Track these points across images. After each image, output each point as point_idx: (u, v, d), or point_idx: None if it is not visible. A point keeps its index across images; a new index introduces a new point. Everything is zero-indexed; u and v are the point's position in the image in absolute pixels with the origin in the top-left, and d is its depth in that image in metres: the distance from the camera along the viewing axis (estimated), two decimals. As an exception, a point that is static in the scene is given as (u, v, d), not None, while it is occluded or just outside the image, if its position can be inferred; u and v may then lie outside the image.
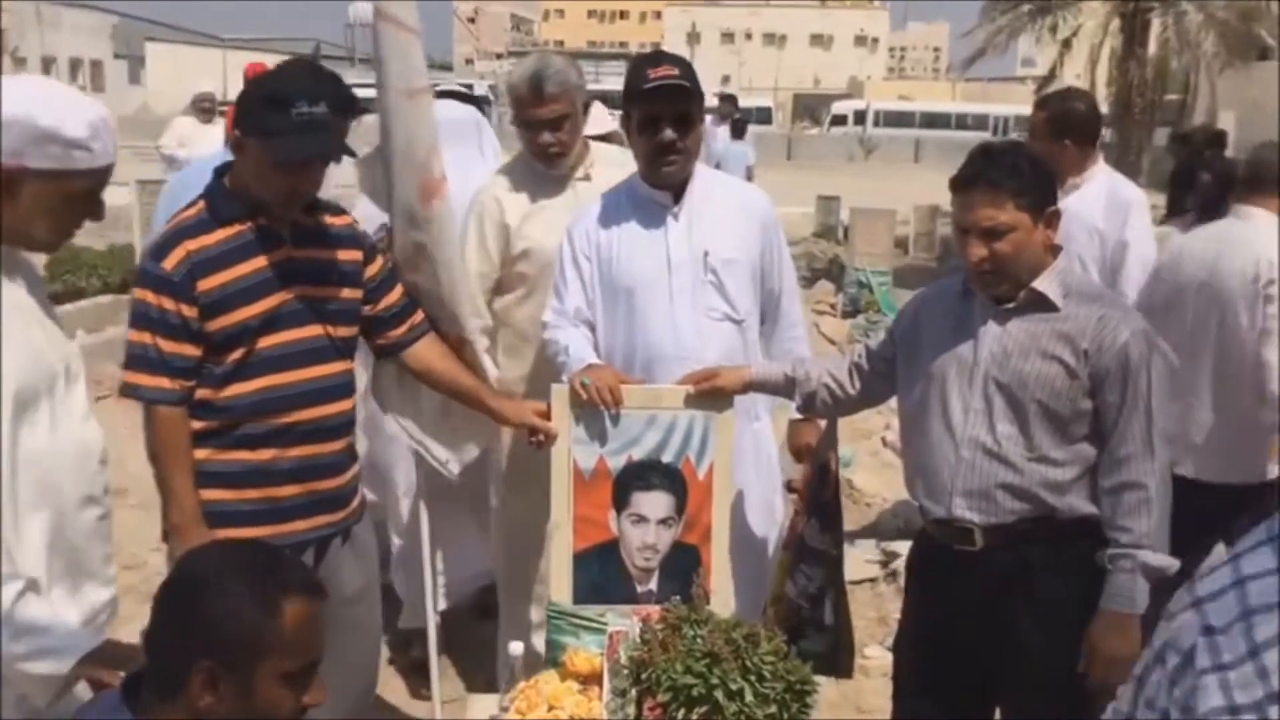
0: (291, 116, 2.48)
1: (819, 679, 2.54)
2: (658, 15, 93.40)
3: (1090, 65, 19.79)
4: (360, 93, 2.85)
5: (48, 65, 35.17)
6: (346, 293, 2.74)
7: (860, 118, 48.12)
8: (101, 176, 2.11)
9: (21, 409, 1.97)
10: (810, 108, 64.03)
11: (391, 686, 4.00)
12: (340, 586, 2.72)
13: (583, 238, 3.17)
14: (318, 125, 2.51)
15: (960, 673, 2.74)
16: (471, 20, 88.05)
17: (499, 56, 72.75)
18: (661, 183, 3.09)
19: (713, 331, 3.08)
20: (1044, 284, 2.55)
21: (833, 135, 46.86)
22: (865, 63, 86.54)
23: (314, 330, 2.64)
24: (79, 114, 2.04)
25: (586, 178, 3.46)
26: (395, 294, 2.88)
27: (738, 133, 15.16)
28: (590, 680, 2.63)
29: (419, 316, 2.93)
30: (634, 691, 2.50)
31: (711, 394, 2.85)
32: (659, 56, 3.11)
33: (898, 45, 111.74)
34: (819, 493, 3.00)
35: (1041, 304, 2.55)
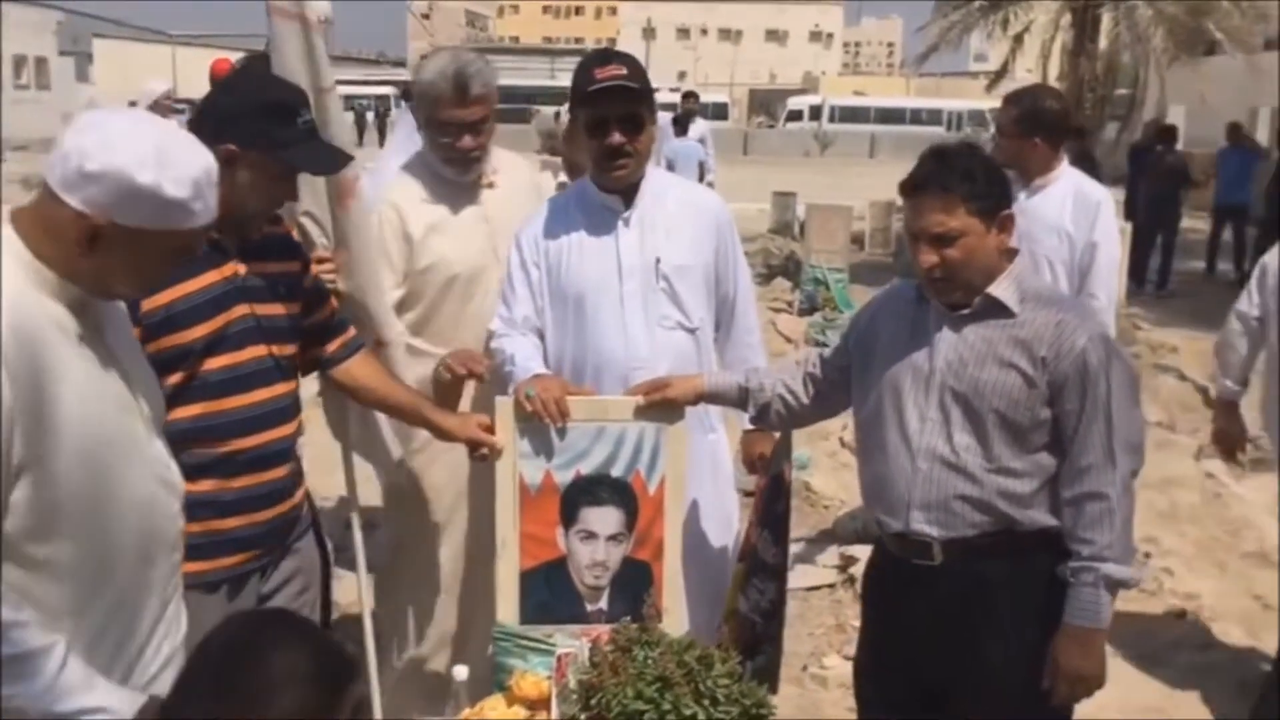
0: (299, 126, 2.41)
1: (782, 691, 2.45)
2: (613, 11, 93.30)
3: (1042, 60, 19.90)
4: None
5: (-10, 60, 34.56)
6: (291, 307, 2.58)
7: (816, 113, 48.26)
8: (199, 235, 1.90)
9: (90, 457, 1.79)
10: (766, 103, 64.14)
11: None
12: (277, 598, 2.61)
13: (531, 244, 3.06)
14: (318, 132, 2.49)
15: (920, 690, 2.66)
16: (426, 16, 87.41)
17: (453, 52, 72.21)
18: (611, 186, 2.99)
19: (665, 340, 2.98)
20: (999, 289, 2.47)
21: (788, 131, 46.97)
22: (820, 58, 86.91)
23: (259, 351, 2.47)
24: (183, 171, 1.79)
25: (491, 185, 3.30)
26: (328, 307, 2.75)
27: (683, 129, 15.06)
28: (538, 705, 2.52)
29: (351, 332, 2.79)
30: (583, 717, 2.40)
31: (662, 405, 2.75)
32: (606, 55, 3.00)
33: (852, 41, 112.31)
34: (773, 504, 2.91)
35: (998, 310, 2.48)
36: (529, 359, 2.91)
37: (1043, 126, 4.25)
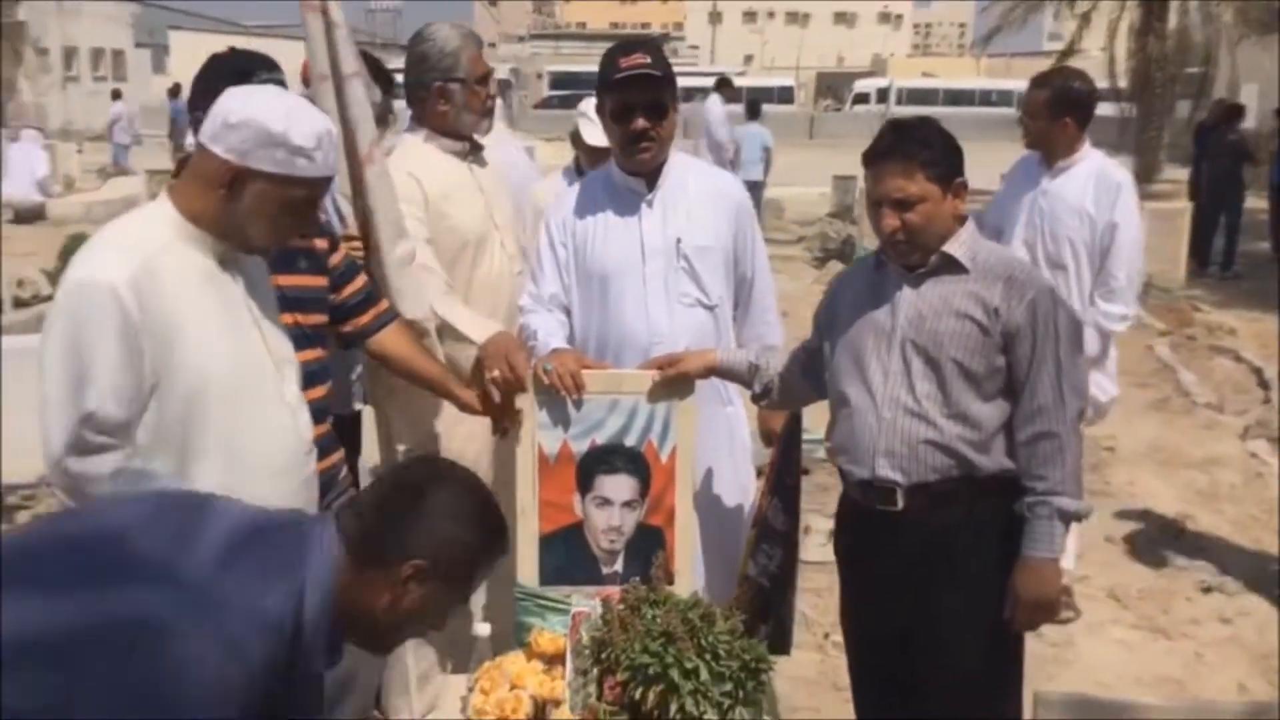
0: (254, 82, 2.58)
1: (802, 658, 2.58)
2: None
3: (1109, 39, 19.58)
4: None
5: (69, 55, 35.44)
6: (315, 280, 2.78)
7: (883, 96, 47.78)
8: (319, 187, 2.23)
9: (224, 400, 2.12)
10: (833, 86, 63.62)
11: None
12: None
13: (559, 225, 3.21)
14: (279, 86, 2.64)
15: (894, 631, 2.79)
16: (493, 3, 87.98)
17: (521, 40, 72.68)
18: (635, 170, 3.13)
19: (685, 317, 3.12)
20: (953, 247, 2.64)
21: (855, 114, 46.56)
22: (889, 40, 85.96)
23: (285, 319, 2.67)
24: (307, 124, 2.15)
25: (481, 161, 3.49)
26: (359, 282, 2.92)
27: (753, 113, 15.09)
28: (555, 660, 2.67)
29: (384, 305, 2.96)
30: (595, 671, 2.55)
31: (674, 379, 2.89)
32: (631, 44, 3.13)
33: (922, 22, 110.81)
34: (783, 475, 3.04)
35: (953, 266, 2.65)
36: (551, 334, 3.06)
37: (1073, 106, 4.30)
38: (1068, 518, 2.59)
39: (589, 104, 3.80)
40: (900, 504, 2.69)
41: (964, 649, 2.68)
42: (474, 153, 3.45)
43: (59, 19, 34.52)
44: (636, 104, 3.02)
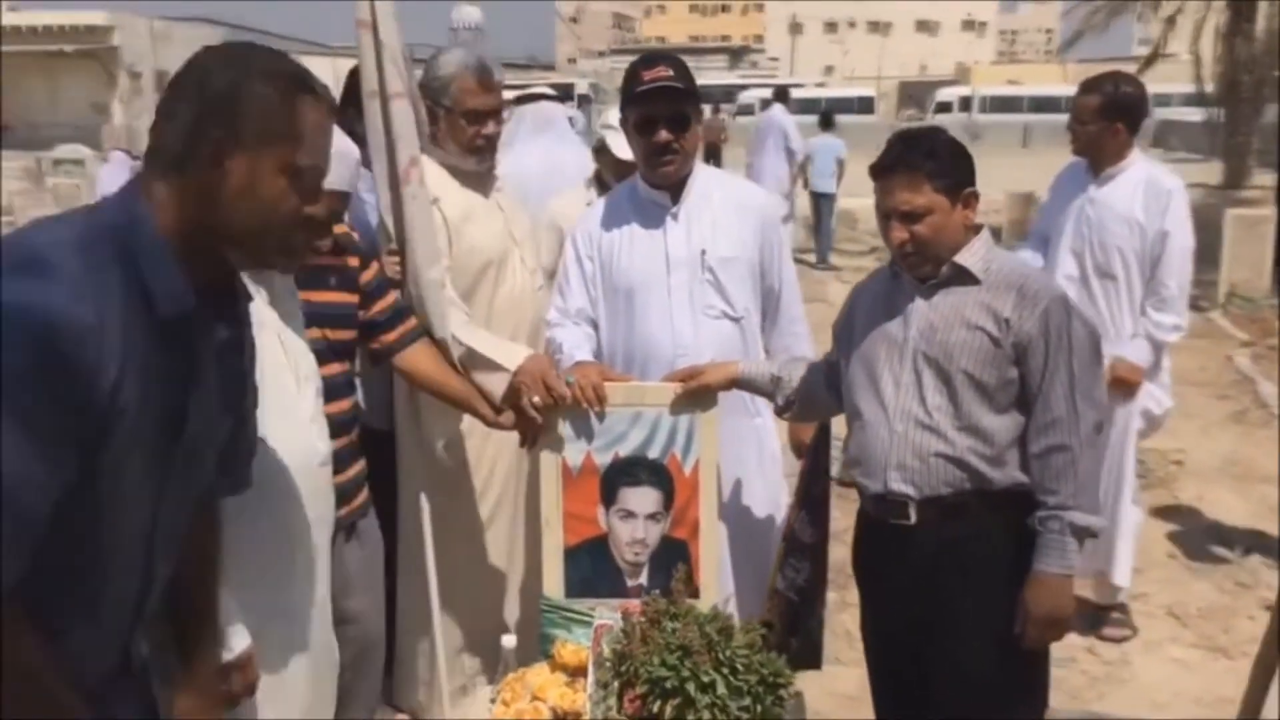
0: None
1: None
2: (760, 7, 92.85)
3: (1194, 41, 19.08)
4: None
5: (161, 79, 36.46)
6: (344, 297, 2.84)
7: (966, 104, 47.22)
8: (335, 202, 2.29)
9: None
10: (915, 96, 62.96)
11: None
12: (343, 578, 2.82)
13: (585, 239, 3.24)
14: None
15: (909, 646, 2.76)
16: (574, 20, 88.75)
17: (601, 55, 73.15)
18: (659, 182, 3.14)
19: (710, 329, 3.12)
20: (965, 258, 2.61)
21: (937, 122, 46.08)
22: (973, 47, 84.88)
23: (312, 334, 2.72)
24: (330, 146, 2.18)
25: (497, 182, 3.50)
26: (389, 300, 2.97)
27: (826, 124, 15.01)
28: (578, 672, 2.68)
29: (412, 322, 3.01)
30: (615, 684, 2.55)
31: (696, 392, 2.89)
32: (654, 58, 3.15)
33: (1008, 28, 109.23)
34: (811, 487, 3.02)
35: (964, 277, 2.62)
36: (575, 348, 3.08)
37: (1124, 112, 4.22)
38: (1080, 533, 2.54)
39: (614, 115, 3.78)
40: (912, 518, 2.66)
41: (979, 662, 2.64)
42: (490, 171, 3.46)
43: (151, 43, 35.54)
44: (659, 117, 3.03)
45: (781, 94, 14.30)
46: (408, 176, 2.99)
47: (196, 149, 1.61)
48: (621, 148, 3.70)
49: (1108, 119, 4.21)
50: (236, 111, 1.62)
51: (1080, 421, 2.54)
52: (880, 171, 2.62)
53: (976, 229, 2.66)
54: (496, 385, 3.02)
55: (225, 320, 1.77)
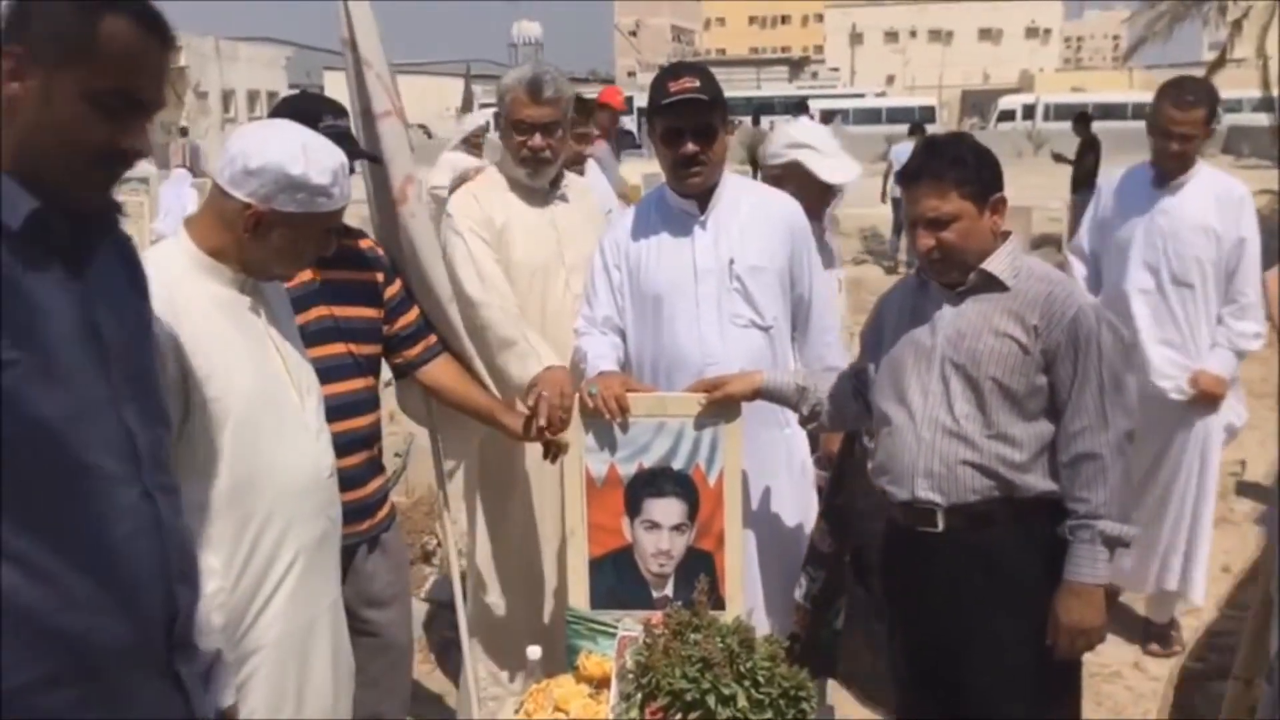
0: (319, 130, 2.65)
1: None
2: (819, 18, 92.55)
3: (1260, 45, 18.71)
4: None
5: (227, 98, 37.23)
6: (369, 312, 2.86)
7: (1030, 112, 46.65)
8: (338, 217, 2.33)
9: (246, 424, 2.15)
10: (978, 104, 62.37)
11: (434, 678, 4.18)
12: (368, 591, 2.85)
13: (613, 247, 3.23)
14: (343, 134, 2.72)
15: (937, 652, 2.73)
16: (633, 33, 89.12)
17: (660, 68, 73.28)
18: (687, 192, 3.13)
19: (738, 338, 3.10)
20: (993, 265, 2.59)
21: (1000, 131, 45.55)
22: (1037, 55, 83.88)
23: (338, 348, 2.76)
24: (323, 162, 2.21)
25: (564, 198, 3.47)
26: (412, 315, 2.99)
27: (916, 131, 14.98)
28: (602, 684, 2.68)
29: (434, 338, 3.03)
30: (638, 696, 2.54)
31: (720, 402, 2.87)
32: (680, 68, 3.14)
33: (1073, 35, 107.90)
34: (833, 498, 2.99)
35: (992, 284, 2.60)
36: (600, 357, 3.07)
37: (1214, 118, 4.10)
38: (1111, 542, 2.51)
39: (802, 132, 3.76)
40: (940, 525, 2.64)
41: (1009, 671, 2.61)
42: (553, 188, 3.46)
43: (217, 63, 36.32)
44: (685, 128, 3.02)
45: (800, 106, 14.29)
46: (404, 195, 2.99)
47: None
48: (824, 168, 3.65)
49: (1208, 129, 4.08)
50: (30, 27, 1.54)
51: (1110, 429, 2.51)
52: (907, 179, 2.61)
53: (1005, 235, 2.64)
54: (521, 377, 3.07)
55: (108, 251, 1.71)
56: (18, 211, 1.51)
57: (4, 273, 1.47)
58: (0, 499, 1.47)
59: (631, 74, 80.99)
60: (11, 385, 1.46)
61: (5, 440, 1.46)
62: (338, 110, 2.82)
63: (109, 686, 1.61)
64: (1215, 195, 4.09)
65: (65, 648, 1.55)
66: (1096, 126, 15.42)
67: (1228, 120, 32.32)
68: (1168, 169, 4.14)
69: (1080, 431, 2.52)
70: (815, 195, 3.64)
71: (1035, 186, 18.27)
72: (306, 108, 2.71)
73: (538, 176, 3.38)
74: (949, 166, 2.53)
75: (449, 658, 4.24)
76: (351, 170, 2.52)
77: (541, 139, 3.31)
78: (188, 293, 2.11)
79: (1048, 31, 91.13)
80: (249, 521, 2.14)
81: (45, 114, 1.54)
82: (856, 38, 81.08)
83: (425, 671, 4.15)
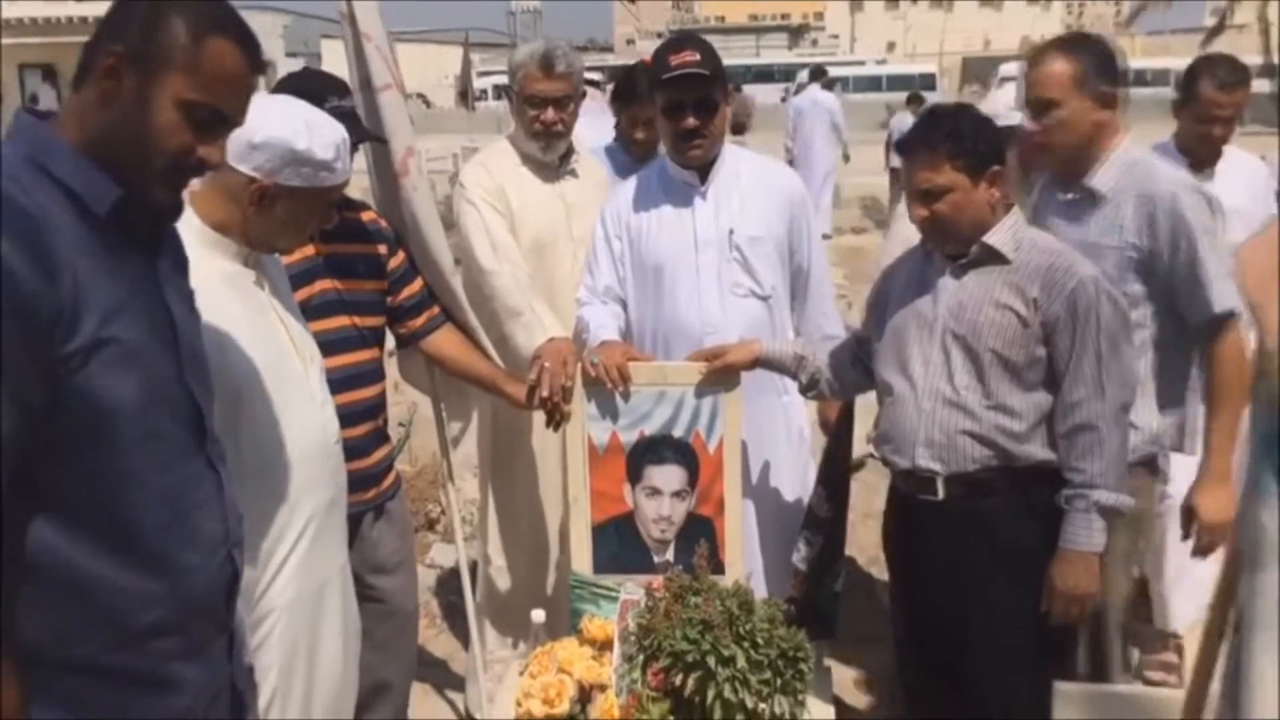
0: (325, 110, 2.68)
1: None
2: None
3: (1262, 13, 18.66)
4: None
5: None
6: (372, 285, 2.91)
7: (1030, 79, 46.43)
8: (339, 191, 2.40)
9: (255, 394, 2.22)
10: (979, 71, 61.98)
11: (439, 641, 4.25)
12: (374, 558, 2.91)
13: (614, 218, 3.28)
14: (349, 114, 2.74)
15: (939, 617, 2.79)
16: (633, 1, 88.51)
17: (659, 36, 72.93)
18: (687, 164, 3.17)
19: (737, 307, 3.14)
20: (994, 238, 2.62)
21: (999, 96, 45.30)
22: (1039, 21, 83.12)
23: (342, 321, 2.81)
24: (326, 136, 2.28)
25: (574, 173, 3.52)
26: (415, 286, 3.03)
27: (916, 101, 14.97)
28: (605, 646, 2.74)
29: (437, 308, 3.08)
30: (640, 657, 2.61)
31: (720, 371, 2.92)
32: (681, 41, 3.17)
33: (1075, 1, 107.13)
34: (831, 463, 3.06)
35: (994, 257, 2.63)
36: (602, 327, 3.12)
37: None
38: (1106, 511, 2.56)
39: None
40: (940, 493, 2.69)
41: (1007, 634, 2.68)
42: (563, 162, 3.50)
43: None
44: (686, 101, 3.05)
45: (819, 73, 14.22)
46: (405, 168, 3.03)
47: (93, 60, 1.63)
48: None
49: (1241, 107, 3.79)
50: (138, 32, 1.63)
51: (1107, 401, 2.55)
52: (904, 149, 2.65)
53: (1008, 207, 2.67)
54: (527, 348, 3.12)
55: (168, 251, 1.81)
56: (105, 199, 1.61)
57: (95, 255, 1.58)
58: (95, 467, 1.60)
59: (630, 42, 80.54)
60: (103, 363, 1.57)
61: (103, 413, 1.59)
62: (342, 89, 2.85)
63: (181, 645, 1.75)
64: (1245, 176, 3.93)
65: (143, 611, 1.68)
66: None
67: (1230, 87, 32.09)
68: (1203, 154, 3.86)
69: (1078, 402, 2.56)
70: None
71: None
72: (311, 86, 2.74)
73: (549, 150, 3.42)
74: (944, 139, 2.56)
75: (454, 623, 4.31)
76: (355, 149, 2.57)
77: (554, 113, 3.35)
78: (197, 268, 2.15)
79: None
80: (262, 489, 2.19)
81: (136, 114, 1.63)
82: (857, 4, 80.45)
83: (430, 636, 4.21)
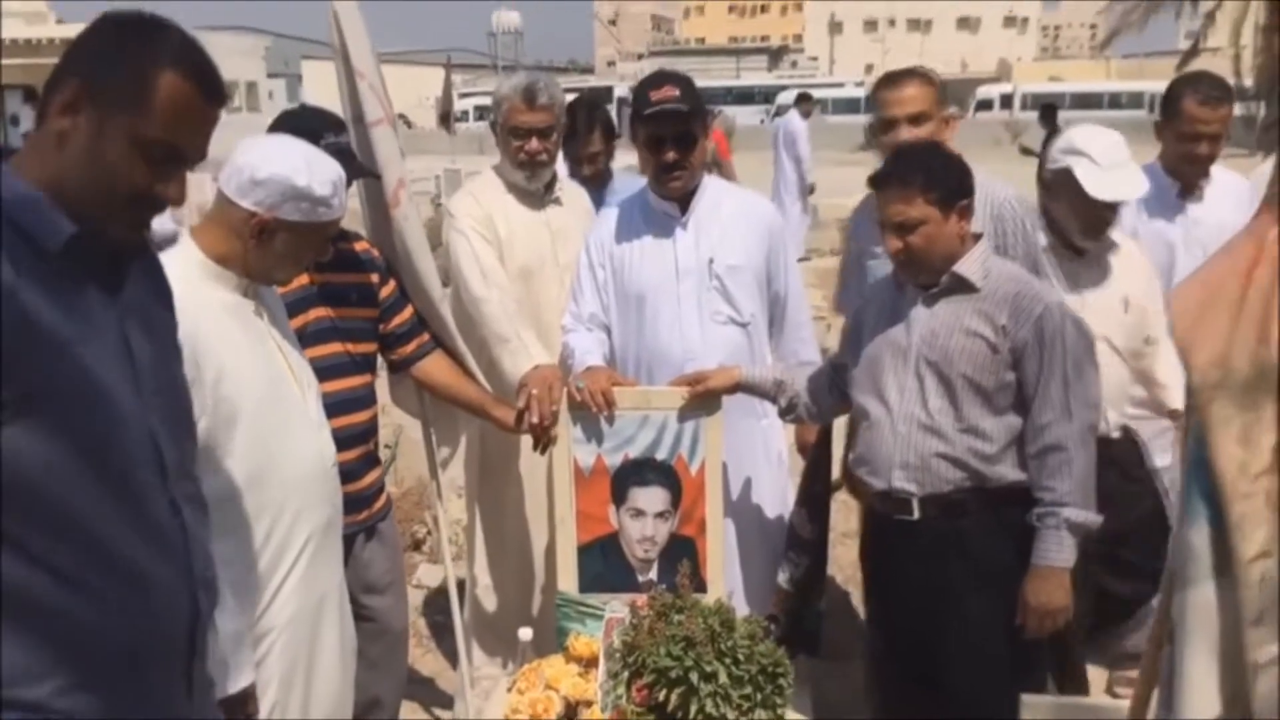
0: (321, 147, 2.77)
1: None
2: (799, 7, 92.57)
3: (1235, 37, 18.93)
4: None
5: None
6: (364, 312, 3.01)
7: (1007, 102, 46.90)
8: (336, 226, 2.50)
9: (256, 421, 2.29)
10: (956, 94, 62.45)
11: (425, 660, 4.31)
12: (366, 578, 2.99)
13: (597, 247, 3.38)
14: (344, 150, 2.84)
15: (913, 635, 2.89)
16: (612, 22, 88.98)
17: (640, 57, 73.29)
18: (668, 195, 3.28)
19: (717, 334, 3.25)
20: (964, 267, 2.74)
21: (978, 121, 45.76)
22: (1015, 44, 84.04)
23: (335, 347, 2.91)
24: (324, 173, 2.38)
25: (558, 201, 3.63)
26: (406, 313, 3.14)
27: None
28: (591, 663, 2.82)
29: (427, 335, 3.19)
30: (624, 674, 2.69)
31: (701, 396, 3.02)
32: (661, 78, 3.28)
33: (1051, 24, 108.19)
34: (812, 485, 3.15)
35: (963, 286, 2.75)
36: (587, 353, 3.22)
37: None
38: (1075, 528, 2.66)
39: (1083, 139, 3.25)
40: (916, 513, 2.79)
41: (978, 647, 2.78)
42: (547, 190, 3.60)
43: (194, 53, 36.02)
44: (666, 136, 3.17)
45: (803, 98, 14.35)
46: (397, 199, 3.13)
47: (51, 97, 1.61)
48: (1093, 181, 3.15)
49: (1228, 128, 3.68)
50: (92, 69, 1.60)
51: (1074, 422, 2.67)
52: (877, 184, 2.77)
53: (976, 238, 2.79)
54: (514, 374, 3.22)
55: (138, 283, 1.78)
56: (59, 235, 1.58)
57: (29, 306, 1.52)
58: (41, 511, 1.55)
59: (611, 63, 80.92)
60: (51, 404, 1.54)
61: (47, 456, 1.54)
62: (337, 126, 2.96)
63: (137, 688, 1.69)
64: (1233, 198, 3.75)
65: (99, 652, 1.63)
66: (1075, 116, 15.55)
67: (1203, 109, 32.44)
68: (1192, 174, 3.75)
69: (1046, 424, 2.67)
70: (1085, 209, 3.20)
71: (1013, 176, 18.49)
72: (307, 124, 2.84)
73: (534, 179, 3.53)
74: (916, 174, 2.68)
75: (440, 641, 4.39)
76: (349, 183, 2.66)
77: (537, 143, 3.46)
78: (198, 299, 2.23)
79: (1025, 20, 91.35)
80: (263, 511, 2.29)
81: (92, 151, 1.60)
82: (836, 27, 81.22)
83: (418, 655, 4.28)
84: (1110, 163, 3.17)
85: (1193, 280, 1.76)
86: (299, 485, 2.36)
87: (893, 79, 3.35)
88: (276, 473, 2.31)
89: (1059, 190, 3.25)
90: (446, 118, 23.53)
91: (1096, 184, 3.13)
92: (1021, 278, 2.79)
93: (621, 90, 39.20)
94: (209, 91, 1.69)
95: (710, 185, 3.35)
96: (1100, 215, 3.21)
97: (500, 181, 3.59)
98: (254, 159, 2.34)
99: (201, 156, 1.72)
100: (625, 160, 4.34)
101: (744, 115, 39.87)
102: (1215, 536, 1.62)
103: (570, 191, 3.73)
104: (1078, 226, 3.24)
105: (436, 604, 4.64)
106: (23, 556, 1.54)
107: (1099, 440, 2.76)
